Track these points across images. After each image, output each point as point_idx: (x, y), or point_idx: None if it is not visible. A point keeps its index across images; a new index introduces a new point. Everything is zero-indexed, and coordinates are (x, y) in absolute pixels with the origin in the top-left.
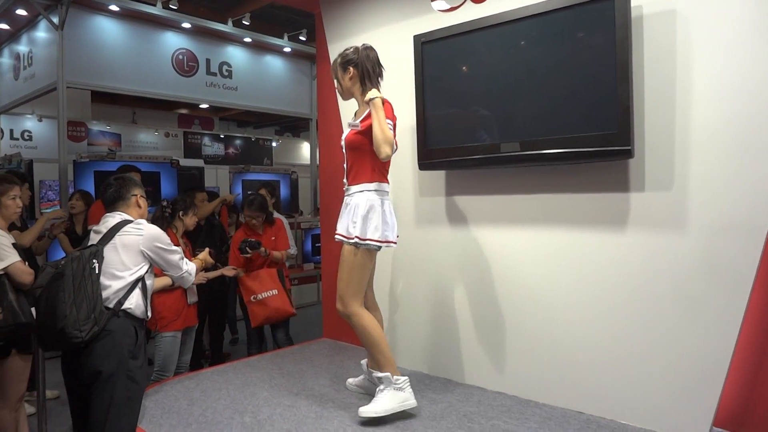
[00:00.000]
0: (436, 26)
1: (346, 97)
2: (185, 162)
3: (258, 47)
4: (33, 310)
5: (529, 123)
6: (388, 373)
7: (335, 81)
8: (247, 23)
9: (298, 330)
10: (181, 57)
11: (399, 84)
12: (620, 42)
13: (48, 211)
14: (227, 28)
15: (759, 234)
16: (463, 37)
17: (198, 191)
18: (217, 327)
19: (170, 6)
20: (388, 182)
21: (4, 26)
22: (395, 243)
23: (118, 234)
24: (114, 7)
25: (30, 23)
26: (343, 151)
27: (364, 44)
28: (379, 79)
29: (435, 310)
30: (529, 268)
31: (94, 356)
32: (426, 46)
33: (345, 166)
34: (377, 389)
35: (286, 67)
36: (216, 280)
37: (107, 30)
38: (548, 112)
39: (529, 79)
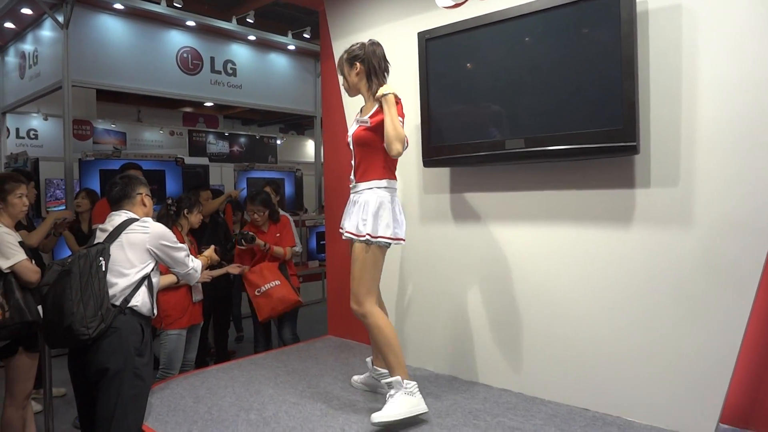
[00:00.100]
0: (441, 23)
1: (352, 94)
2: (190, 160)
3: (262, 45)
4: (39, 308)
5: (534, 119)
6: (398, 377)
7: (341, 77)
8: (251, 21)
9: (302, 327)
10: (185, 55)
11: (403, 81)
12: (625, 37)
13: (55, 210)
14: (231, 26)
15: (765, 230)
16: (467, 33)
17: (203, 189)
18: (222, 325)
19: (174, 4)
20: (396, 179)
21: (10, 25)
22: (404, 240)
23: (124, 232)
24: (119, 6)
25: (35, 22)
26: (350, 147)
27: (370, 40)
28: (385, 74)
29: (440, 308)
30: (534, 265)
31: (100, 353)
32: (430, 43)
33: (352, 162)
34: (387, 394)
35: (291, 64)
36: (221, 278)
37: (112, 28)
38: (553, 108)
39: (533, 75)
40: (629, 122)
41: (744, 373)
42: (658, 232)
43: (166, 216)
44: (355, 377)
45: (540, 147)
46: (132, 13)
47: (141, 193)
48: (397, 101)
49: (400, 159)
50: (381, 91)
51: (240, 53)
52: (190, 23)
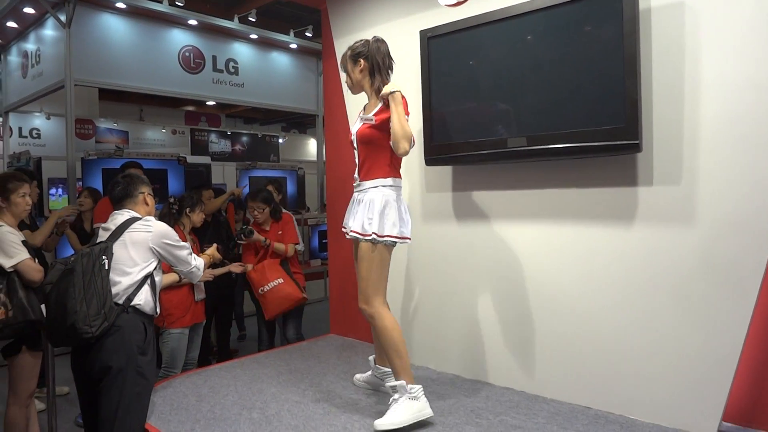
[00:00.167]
0: (443, 21)
1: (355, 91)
2: (192, 159)
3: (264, 44)
4: (43, 307)
5: (536, 117)
6: (403, 382)
7: (344, 74)
8: (253, 20)
9: (305, 326)
10: (187, 54)
11: (405, 79)
12: (628, 35)
13: (58, 209)
14: (233, 24)
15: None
16: (469, 31)
17: (205, 189)
18: (225, 323)
19: (177, 3)
20: (401, 177)
21: (12, 24)
22: (410, 239)
23: (127, 231)
24: (121, 5)
25: (38, 21)
26: (354, 145)
27: (374, 36)
28: (390, 72)
29: (442, 307)
30: (536, 263)
31: (103, 352)
32: (432, 41)
33: (357, 160)
34: (392, 398)
35: (293, 63)
36: (223, 277)
37: (114, 27)
38: (555, 106)
39: (535, 73)
40: (631, 120)
41: (746, 371)
42: (660, 231)
43: (168, 215)
44: (358, 376)
45: (542, 145)
46: (134, 12)
47: (143, 192)
48: (403, 99)
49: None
50: (388, 88)
51: (242, 52)
52: (192, 22)
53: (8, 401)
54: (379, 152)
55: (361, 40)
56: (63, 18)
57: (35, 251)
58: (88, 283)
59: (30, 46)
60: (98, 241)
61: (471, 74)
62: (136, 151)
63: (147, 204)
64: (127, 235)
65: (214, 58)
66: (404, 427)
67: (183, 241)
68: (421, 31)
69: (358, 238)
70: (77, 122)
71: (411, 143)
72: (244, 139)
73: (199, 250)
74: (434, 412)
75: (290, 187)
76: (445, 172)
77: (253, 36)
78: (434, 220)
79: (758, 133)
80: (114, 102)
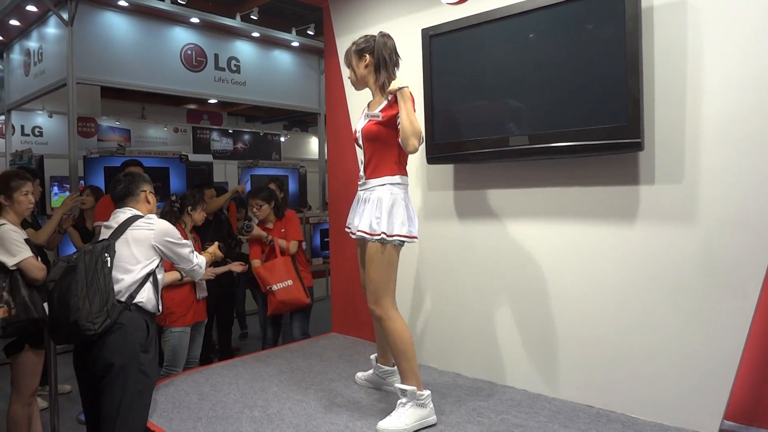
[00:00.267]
0: (444, 19)
1: (359, 87)
2: (194, 157)
3: (266, 42)
4: (45, 305)
5: (537, 116)
6: (413, 388)
7: (349, 70)
8: (255, 18)
9: None
10: (189, 52)
11: (407, 77)
12: (630, 34)
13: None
14: (235, 22)
15: None
16: (471, 30)
17: (207, 188)
18: (226, 322)
19: (179, 1)
20: (407, 175)
21: (15, 22)
22: (417, 238)
23: (129, 229)
24: (123, 3)
25: (40, 19)
26: (359, 143)
27: (381, 32)
28: (396, 68)
29: (442, 305)
30: (538, 261)
31: (106, 349)
32: (434, 40)
33: (362, 158)
34: (398, 402)
35: (294, 61)
36: (225, 276)
37: (116, 25)
38: (557, 104)
39: (537, 71)
40: (633, 119)
41: (748, 370)
42: (662, 229)
43: (169, 213)
44: (359, 374)
45: (544, 144)
46: (136, 10)
47: (145, 191)
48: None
49: None
50: (396, 84)
51: (244, 50)
52: (194, 20)
53: (11, 399)
54: (386, 149)
55: (368, 35)
56: (65, 16)
57: (37, 249)
58: (91, 281)
59: (32, 44)
60: (100, 239)
61: (473, 72)
62: (138, 150)
63: (149, 202)
64: (129, 233)
65: (216, 56)
66: None
67: (184, 239)
68: (423, 30)
69: (365, 237)
70: (79, 120)
71: (420, 140)
72: (246, 137)
73: (200, 248)
74: (436, 411)
75: (292, 186)
76: (447, 170)
77: (255, 34)
78: (435, 219)
79: (760, 132)
80: (116, 100)
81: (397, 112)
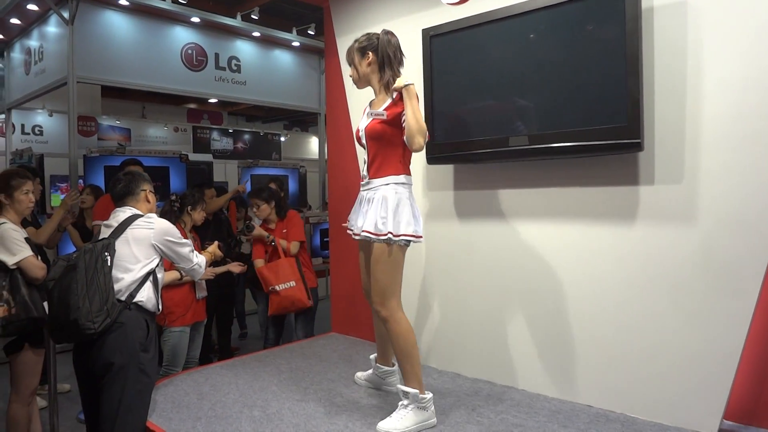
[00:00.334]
0: (445, 19)
1: (361, 85)
2: (194, 157)
3: (266, 41)
4: (45, 304)
5: (537, 116)
6: (416, 391)
7: (350, 68)
8: (255, 17)
9: None
10: (190, 51)
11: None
12: (630, 34)
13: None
14: (236, 22)
15: None
16: (471, 30)
17: (207, 187)
18: (226, 322)
19: (179, 0)
20: (411, 174)
21: (16, 21)
22: (422, 238)
23: (129, 228)
24: (124, 2)
25: (41, 18)
26: (362, 142)
27: (384, 30)
28: (400, 66)
29: (442, 305)
30: (537, 261)
31: (105, 348)
32: (434, 40)
33: (365, 157)
34: (400, 403)
35: (295, 61)
36: (224, 276)
37: (117, 25)
38: (557, 105)
39: (538, 72)
40: (633, 119)
41: (748, 370)
42: (662, 229)
43: (169, 212)
44: (359, 374)
45: (544, 144)
46: (137, 10)
47: (145, 190)
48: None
49: None
50: (401, 81)
51: (244, 50)
52: (195, 19)
53: (10, 398)
54: (390, 148)
55: (369, 33)
56: (66, 15)
57: (37, 248)
58: (91, 280)
59: (33, 42)
60: (100, 238)
61: (473, 73)
62: (138, 149)
63: (148, 201)
64: (129, 232)
65: (217, 55)
66: None
67: (184, 238)
68: (423, 30)
69: (371, 238)
70: (80, 119)
71: (426, 138)
72: (246, 136)
73: (200, 248)
74: (435, 411)
75: (292, 185)
76: (447, 170)
77: (256, 34)
78: (435, 219)
79: (760, 132)
80: (116, 99)
81: (402, 110)
